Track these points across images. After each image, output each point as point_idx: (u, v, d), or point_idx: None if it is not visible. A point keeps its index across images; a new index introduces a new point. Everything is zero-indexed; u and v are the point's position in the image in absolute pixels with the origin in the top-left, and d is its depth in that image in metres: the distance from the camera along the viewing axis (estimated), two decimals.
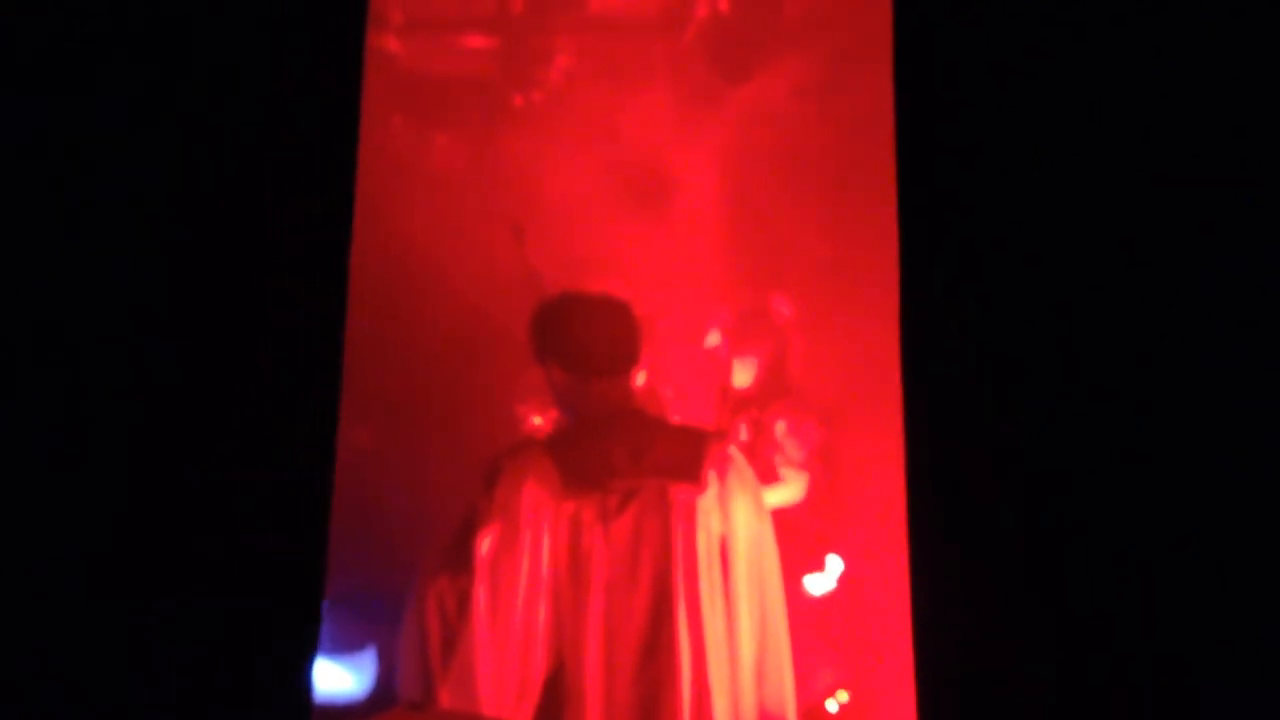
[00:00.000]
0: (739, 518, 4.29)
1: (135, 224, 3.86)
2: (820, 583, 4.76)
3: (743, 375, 4.93)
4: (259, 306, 3.80)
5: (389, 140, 4.91)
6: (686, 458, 4.30)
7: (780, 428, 4.87)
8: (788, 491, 4.81)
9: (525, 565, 4.20)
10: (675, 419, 4.70)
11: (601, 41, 5.16)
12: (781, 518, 4.46)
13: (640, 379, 4.54)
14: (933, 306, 3.87)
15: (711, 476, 4.29)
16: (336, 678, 4.53)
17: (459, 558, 4.21)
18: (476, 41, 5.17)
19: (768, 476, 4.73)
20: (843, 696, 4.66)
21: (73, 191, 3.88)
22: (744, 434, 4.85)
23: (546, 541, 4.21)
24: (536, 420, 4.80)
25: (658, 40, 5.14)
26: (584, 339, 4.39)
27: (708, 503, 4.27)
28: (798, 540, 4.61)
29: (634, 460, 4.29)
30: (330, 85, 3.86)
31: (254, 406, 3.78)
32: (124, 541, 3.73)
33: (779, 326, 4.96)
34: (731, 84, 5.06)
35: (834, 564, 4.77)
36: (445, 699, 4.14)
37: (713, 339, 4.95)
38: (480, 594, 4.17)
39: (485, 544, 4.20)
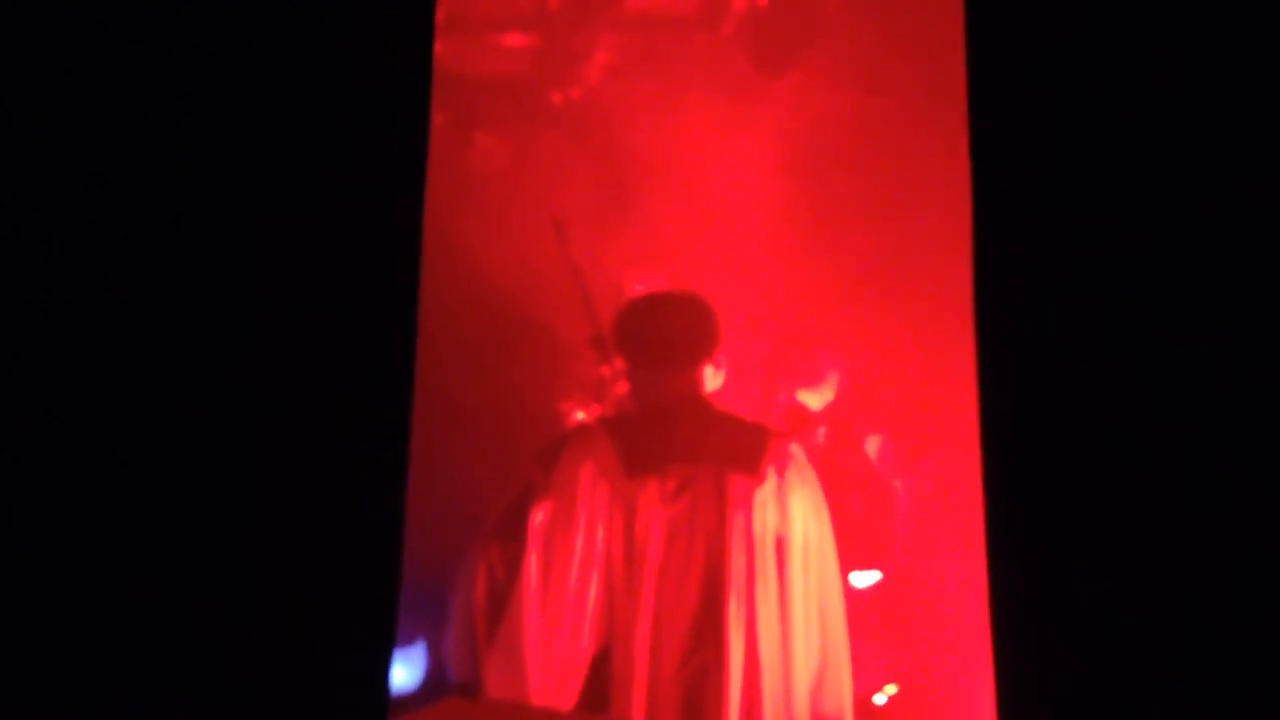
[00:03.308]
0: (796, 514, 4.29)
1: (196, 226, 3.87)
2: (865, 577, 4.75)
3: (814, 401, 4.92)
4: (333, 314, 3.82)
5: (432, 141, 4.92)
6: (746, 450, 4.31)
7: (873, 443, 4.85)
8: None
9: (579, 542, 4.20)
10: (738, 414, 4.69)
11: (640, 38, 5.16)
12: (842, 517, 4.46)
13: (712, 379, 4.48)
14: (1009, 299, 3.79)
15: (770, 470, 4.29)
16: (402, 671, 4.54)
17: (512, 529, 4.21)
18: (515, 40, 5.18)
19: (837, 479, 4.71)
20: (890, 690, 4.66)
21: (124, 201, 3.90)
22: (821, 436, 4.84)
23: (602, 520, 4.23)
24: (580, 415, 4.80)
25: (696, 35, 5.14)
26: (650, 329, 4.42)
27: (764, 495, 4.27)
28: (851, 538, 4.60)
29: (694, 447, 4.30)
30: (395, 92, 3.87)
31: (330, 406, 3.79)
32: (205, 535, 3.75)
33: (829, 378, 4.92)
34: (771, 78, 5.06)
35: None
36: (491, 668, 4.14)
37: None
38: (532, 565, 4.18)
39: (539, 518, 4.21)
